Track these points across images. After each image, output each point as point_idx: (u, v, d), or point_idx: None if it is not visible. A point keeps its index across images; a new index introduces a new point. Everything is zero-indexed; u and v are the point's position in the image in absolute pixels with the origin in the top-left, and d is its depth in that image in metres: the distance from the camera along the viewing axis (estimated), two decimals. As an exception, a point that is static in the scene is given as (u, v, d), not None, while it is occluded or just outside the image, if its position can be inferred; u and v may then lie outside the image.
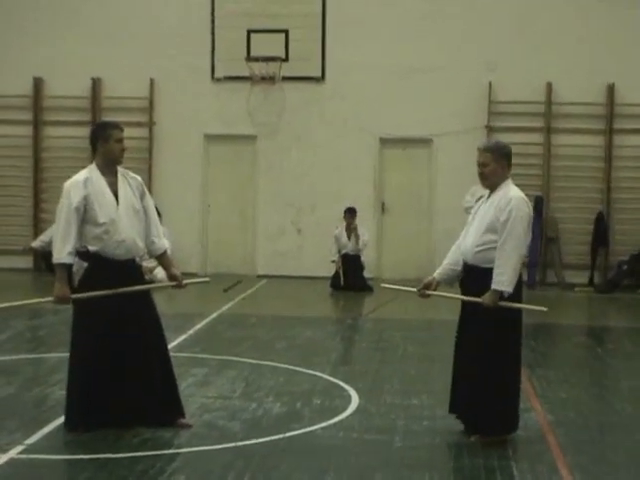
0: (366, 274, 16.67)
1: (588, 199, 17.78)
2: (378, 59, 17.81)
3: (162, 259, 7.47)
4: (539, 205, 17.28)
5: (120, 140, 7.29)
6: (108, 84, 18.37)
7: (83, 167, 20.11)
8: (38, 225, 18.49)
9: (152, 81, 18.23)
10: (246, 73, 17.73)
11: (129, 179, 7.38)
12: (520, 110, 17.73)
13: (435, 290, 7.44)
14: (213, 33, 18.08)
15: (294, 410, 7.89)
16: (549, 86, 17.61)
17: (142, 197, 7.37)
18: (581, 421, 7.86)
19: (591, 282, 17.44)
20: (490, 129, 17.68)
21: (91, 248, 7.04)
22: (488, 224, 7.06)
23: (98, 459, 6.44)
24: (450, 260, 7.40)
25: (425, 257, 17.91)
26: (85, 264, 7.08)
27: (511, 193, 7.12)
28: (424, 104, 17.76)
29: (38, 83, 18.39)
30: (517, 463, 6.52)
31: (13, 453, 6.49)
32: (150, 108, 18.29)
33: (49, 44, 18.19)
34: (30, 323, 12.89)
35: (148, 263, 16.63)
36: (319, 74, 18.09)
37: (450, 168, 17.70)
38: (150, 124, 18.24)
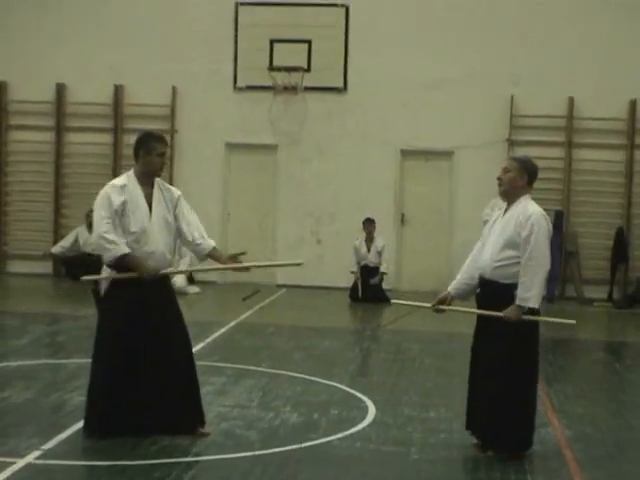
0: (384, 285, 16.65)
1: (608, 214, 17.72)
2: (400, 71, 17.82)
3: (214, 256, 7.47)
4: (559, 219, 17.24)
5: (162, 154, 7.24)
6: (131, 91, 18.45)
7: (104, 174, 20.11)
8: (58, 231, 18.56)
9: (174, 89, 18.29)
10: (268, 83, 17.77)
11: (164, 191, 7.31)
12: (542, 124, 17.70)
13: (450, 305, 7.42)
14: (236, 42, 18.13)
15: (311, 420, 7.89)
16: (571, 101, 17.58)
17: (175, 207, 7.32)
18: (598, 437, 7.82)
19: (610, 297, 17.36)
20: (511, 142, 17.66)
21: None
22: (507, 239, 7.03)
23: (115, 466, 6.45)
24: (465, 275, 7.39)
25: (444, 269, 17.86)
26: (114, 272, 7.08)
27: (530, 208, 7.08)
28: (446, 116, 17.75)
29: (61, 89, 18.49)
30: (534, 478, 6.50)
31: (30, 458, 6.51)
32: (172, 116, 18.35)
33: (72, 50, 18.28)
34: (49, 329, 12.94)
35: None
36: (341, 85, 18.11)
37: (471, 181, 17.68)
38: (172, 132, 18.29)
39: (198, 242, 7.41)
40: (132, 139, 19.83)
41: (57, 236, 18.47)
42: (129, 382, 6.98)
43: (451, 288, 7.42)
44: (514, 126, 17.71)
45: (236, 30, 18.12)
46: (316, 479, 6.31)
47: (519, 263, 6.92)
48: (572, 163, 17.71)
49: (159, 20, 18.33)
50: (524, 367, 6.97)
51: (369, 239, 16.68)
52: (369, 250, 16.61)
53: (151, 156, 7.17)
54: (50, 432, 7.16)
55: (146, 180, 7.21)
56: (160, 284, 7.20)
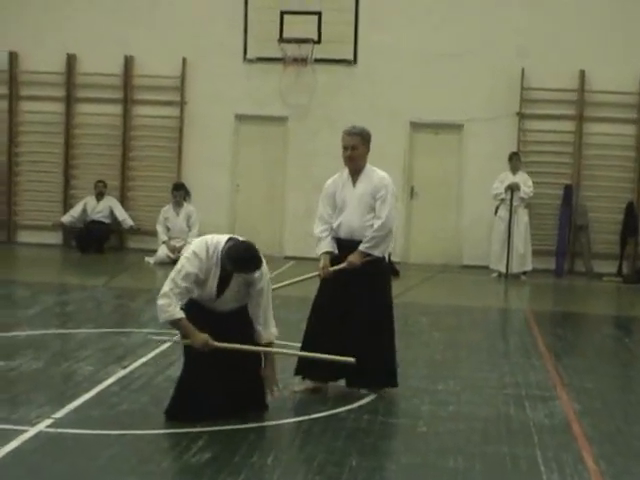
0: (393, 258, 16.63)
1: (618, 188, 17.65)
2: (410, 43, 17.72)
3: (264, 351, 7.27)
4: (569, 193, 17.21)
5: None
6: (140, 62, 18.40)
7: (113, 145, 20.02)
8: (67, 201, 18.58)
9: (184, 60, 18.24)
10: (278, 54, 17.71)
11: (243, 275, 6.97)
12: (552, 97, 17.61)
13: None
14: (246, 13, 18.04)
15: (319, 392, 7.90)
16: (582, 74, 17.48)
17: (249, 286, 7.02)
18: (607, 411, 7.84)
19: (619, 272, 17.32)
20: (522, 116, 17.59)
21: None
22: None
23: (125, 435, 6.49)
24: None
25: (453, 243, 17.89)
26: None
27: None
28: (456, 89, 17.67)
29: (71, 60, 18.45)
30: (542, 452, 6.51)
31: (41, 426, 6.55)
32: (182, 87, 18.30)
33: (82, 21, 18.22)
34: (58, 299, 12.98)
35: (176, 242, 16.76)
36: (351, 57, 18.03)
37: (480, 154, 17.64)
38: (181, 103, 18.26)
39: (258, 329, 7.12)
40: (142, 110, 19.85)
41: (66, 206, 18.49)
42: (212, 371, 6.94)
43: None
44: (524, 99, 17.63)
45: (246, 1, 18.03)
46: (324, 451, 6.33)
47: None
48: (583, 137, 17.62)
49: (169, -9, 18.29)
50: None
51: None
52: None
53: (233, 270, 6.85)
54: (60, 401, 7.21)
55: None
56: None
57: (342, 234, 7.91)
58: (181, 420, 6.80)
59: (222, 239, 6.95)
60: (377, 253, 7.83)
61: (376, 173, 8.00)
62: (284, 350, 7.24)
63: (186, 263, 6.90)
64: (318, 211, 8.12)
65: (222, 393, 6.93)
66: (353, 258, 7.78)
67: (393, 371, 7.94)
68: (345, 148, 7.94)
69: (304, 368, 7.92)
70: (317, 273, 8.01)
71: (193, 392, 6.90)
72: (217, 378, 6.93)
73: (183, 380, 7.02)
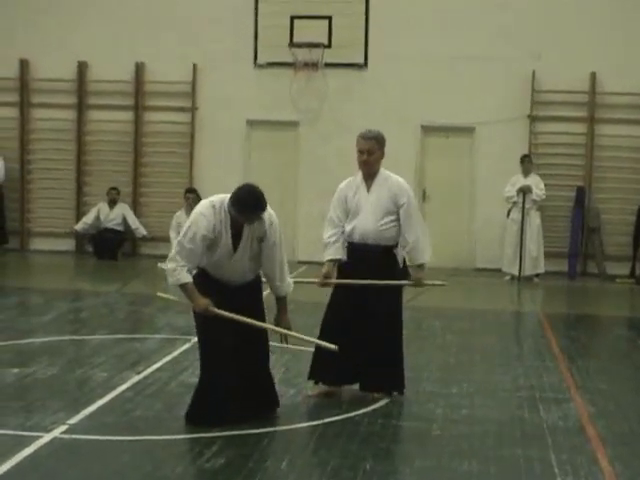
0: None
1: (631, 190, 17.60)
2: (421, 46, 17.72)
3: (279, 301, 7.34)
4: (581, 195, 17.18)
5: (246, 222, 6.95)
6: (151, 68, 18.45)
7: (125, 151, 20.11)
8: (80, 208, 18.64)
9: (195, 66, 18.28)
10: (289, 59, 17.74)
11: (255, 226, 6.93)
12: (564, 100, 17.58)
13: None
14: (256, 19, 18.07)
15: (333, 396, 7.91)
16: (593, 76, 17.45)
17: (261, 240, 7.00)
18: (621, 413, 7.82)
19: (632, 274, 17.27)
20: (533, 118, 17.58)
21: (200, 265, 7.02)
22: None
23: (139, 441, 6.51)
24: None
25: (465, 246, 17.89)
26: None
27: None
28: (467, 92, 17.66)
29: (82, 67, 18.51)
30: (556, 454, 6.50)
31: (56, 432, 6.57)
32: (192, 93, 18.35)
33: (93, 29, 18.28)
34: (73, 305, 13.03)
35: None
36: (362, 61, 18.04)
37: (492, 157, 17.63)
38: (192, 109, 18.31)
39: (276, 284, 7.20)
40: (153, 116, 19.89)
41: (79, 213, 18.55)
42: (230, 374, 6.95)
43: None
44: (536, 102, 17.61)
45: (256, 6, 18.06)
46: (338, 455, 6.34)
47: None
48: (594, 139, 17.60)
49: (180, -3, 18.35)
50: None
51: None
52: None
53: (238, 218, 6.81)
54: (75, 407, 7.23)
55: None
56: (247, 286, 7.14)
57: (356, 238, 7.92)
58: (200, 424, 6.81)
59: (228, 195, 6.92)
60: (427, 257, 7.98)
61: (392, 178, 7.98)
62: (276, 328, 7.21)
63: (192, 224, 6.92)
64: (328, 214, 8.14)
65: (239, 395, 6.94)
66: (419, 275, 7.96)
67: (403, 375, 7.96)
68: (361, 152, 7.89)
69: (318, 372, 7.93)
70: (316, 280, 8.05)
71: (213, 395, 6.90)
72: (234, 379, 6.92)
73: (203, 384, 7.00)
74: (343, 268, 7.97)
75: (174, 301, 8.30)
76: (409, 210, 7.95)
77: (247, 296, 7.11)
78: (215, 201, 6.98)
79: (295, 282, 7.49)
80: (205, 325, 6.97)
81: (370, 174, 7.93)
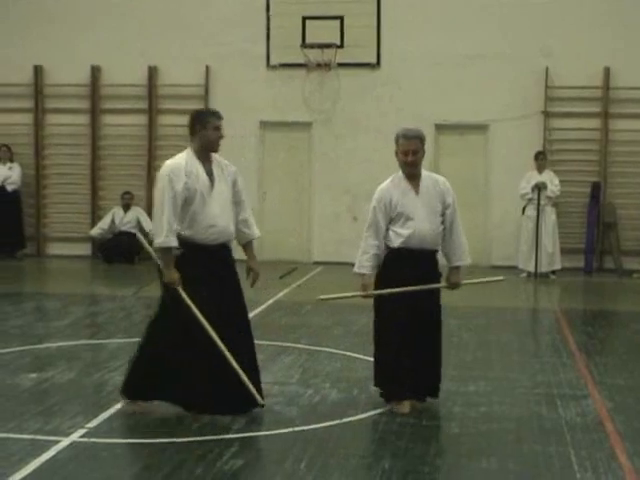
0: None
1: (646, 184, 17.58)
2: (433, 45, 17.71)
3: (246, 248, 7.52)
4: (597, 191, 17.12)
5: (217, 128, 7.37)
6: (164, 72, 18.49)
7: (139, 155, 20.21)
8: (95, 212, 18.69)
9: (208, 68, 18.31)
10: (301, 60, 17.75)
11: (223, 167, 7.44)
12: (577, 95, 17.53)
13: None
14: (268, 20, 18.10)
15: (351, 396, 7.92)
16: (606, 71, 17.40)
17: (234, 185, 7.42)
18: (640, 408, 7.81)
19: (649, 268, 17.24)
20: (547, 114, 17.53)
21: (183, 233, 7.09)
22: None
23: (158, 443, 6.53)
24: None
25: (480, 244, 17.83)
26: (177, 251, 7.10)
27: None
28: (480, 90, 17.64)
29: (95, 72, 18.57)
30: (575, 450, 6.49)
31: (75, 436, 6.60)
32: (205, 95, 18.37)
33: (106, 33, 18.34)
34: (89, 310, 13.06)
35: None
36: (374, 60, 18.04)
37: (506, 154, 17.59)
38: (206, 112, 18.31)
39: (242, 228, 7.46)
40: (166, 119, 19.95)
41: (94, 218, 18.61)
42: (209, 360, 7.07)
43: None
44: (549, 98, 17.57)
45: (268, 8, 18.08)
46: (356, 455, 6.34)
47: None
48: (609, 134, 17.54)
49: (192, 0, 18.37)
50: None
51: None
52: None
53: (207, 130, 7.25)
54: (93, 411, 7.26)
55: (204, 156, 7.29)
56: (226, 261, 7.32)
57: (414, 244, 7.50)
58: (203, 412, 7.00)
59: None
60: (470, 259, 7.89)
61: (434, 176, 7.77)
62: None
63: (163, 193, 7.04)
64: (371, 219, 7.66)
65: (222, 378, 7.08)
66: (457, 279, 7.81)
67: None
68: (405, 153, 7.59)
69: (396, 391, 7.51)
70: (359, 294, 7.73)
71: (216, 384, 7.05)
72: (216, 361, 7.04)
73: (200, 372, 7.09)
74: (392, 275, 7.51)
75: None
76: (456, 208, 7.78)
77: (227, 268, 7.30)
78: (171, 160, 7.28)
79: (337, 298, 7.47)
80: (174, 313, 7.11)
81: (415, 174, 7.63)
